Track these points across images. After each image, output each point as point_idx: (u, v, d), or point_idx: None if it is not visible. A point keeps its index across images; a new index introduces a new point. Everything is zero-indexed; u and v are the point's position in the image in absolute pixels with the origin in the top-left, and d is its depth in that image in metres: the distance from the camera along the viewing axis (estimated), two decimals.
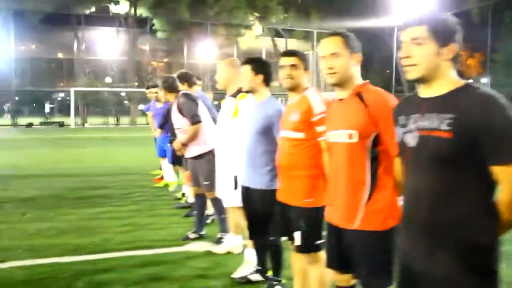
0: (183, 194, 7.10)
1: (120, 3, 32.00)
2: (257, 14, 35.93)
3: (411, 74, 1.81)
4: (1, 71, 32.16)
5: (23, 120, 33.31)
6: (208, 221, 5.42)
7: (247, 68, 3.49)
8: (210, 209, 5.52)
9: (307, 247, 2.92)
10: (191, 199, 6.56)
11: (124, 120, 35.92)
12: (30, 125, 31.14)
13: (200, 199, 5.18)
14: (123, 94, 37.82)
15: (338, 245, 2.45)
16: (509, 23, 25.33)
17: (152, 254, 4.57)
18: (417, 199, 1.82)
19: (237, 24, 33.66)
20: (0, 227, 5.52)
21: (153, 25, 33.59)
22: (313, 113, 2.83)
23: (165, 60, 40.17)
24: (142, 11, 32.41)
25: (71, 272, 4.05)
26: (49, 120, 36.45)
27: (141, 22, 32.59)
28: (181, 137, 5.04)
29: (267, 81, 3.53)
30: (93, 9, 32.61)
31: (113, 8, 32.77)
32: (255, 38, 38.56)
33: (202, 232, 5.15)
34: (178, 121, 4.99)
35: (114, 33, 33.01)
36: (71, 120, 31.18)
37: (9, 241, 4.98)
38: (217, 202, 4.91)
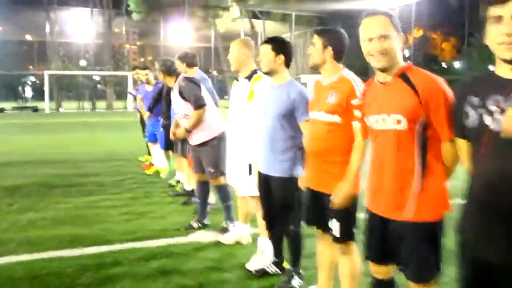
0: (178, 181, 6.89)
1: None
2: None
3: None
4: None
5: None
6: (208, 209, 5.24)
7: (267, 48, 3.29)
8: (211, 198, 5.34)
9: (344, 236, 2.79)
10: (187, 186, 6.37)
11: (100, 104, 35.10)
12: (1, 110, 30.11)
13: (204, 186, 4.98)
14: (96, 78, 36.84)
15: (381, 235, 2.32)
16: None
17: (157, 245, 4.37)
18: (500, 184, 1.68)
19: (215, 6, 33.01)
20: None
21: (128, 6, 32.69)
22: (355, 95, 2.66)
23: (139, 43, 39.36)
24: None
25: (74, 267, 3.84)
26: (22, 105, 35.34)
27: (116, 2, 31.67)
28: (183, 122, 4.78)
29: (287, 62, 3.34)
30: None
31: None
32: (232, 20, 37.98)
33: (205, 221, 4.96)
34: (180, 106, 4.74)
35: (88, 14, 32.03)
36: (46, 105, 30.25)
37: (2, 234, 4.70)
38: (222, 189, 4.75)
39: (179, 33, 34.04)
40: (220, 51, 35.92)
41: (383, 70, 2.25)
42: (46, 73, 29.40)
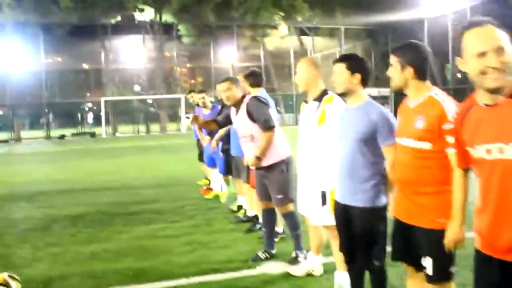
0: (239, 207, 6.65)
1: (145, 11, 31.90)
2: (282, 14, 35.39)
3: None
4: (33, 85, 32.57)
5: (55, 132, 33.59)
6: (276, 239, 4.94)
7: (342, 66, 3.00)
8: (279, 226, 5.06)
9: (440, 275, 2.44)
10: (250, 212, 6.12)
11: (154, 127, 35.88)
12: (62, 137, 31.35)
13: (270, 214, 4.69)
14: (150, 101, 37.75)
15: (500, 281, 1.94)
16: None
17: (224, 279, 4.12)
18: None
19: (263, 24, 33.20)
20: (53, 250, 5.16)
21: (178, 30, 33.41)
22: (447, 119, 2.31)
23: (189, 65, 40.02)
24: (167, 17, 32.26)
25: None
26: (81, 131, 36.69)
27: (167, 28, 32.45)
28: (248, 147, 4.47)
29: (365, 82, 3.03)
30: (118, 18, 32.64)
31: (138, 16, 32.69)
32: (280, 38, 38.07)
33: (273, 251, 4.67)
34: (246, 127, 4.46)
35: (141, 40, 33.00)
36: (103, 130, 31.26)
37: (66, 267, 4.60)
38: (291, 217, 4.45)
39: (228, 54, 34.41)
40: (270, 69, 36.02)
41: (495, 90, 1.85)
42: (103, 99, 30.39)
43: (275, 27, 36.16)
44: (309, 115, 3.68)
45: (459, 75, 31.38)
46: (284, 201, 4.38)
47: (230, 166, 6.32)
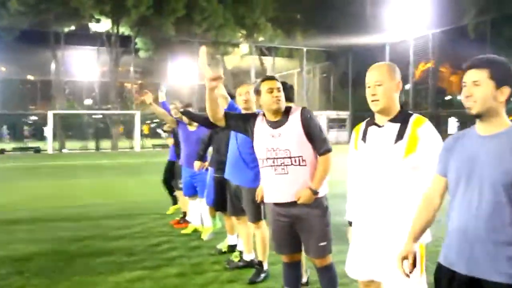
0: (231, 248, 5.48)
1: (101, 21, 30.16)
2: (244, 32, 34.64)
3: None
4: None
5: None
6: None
7: (483, 75, 2.02)
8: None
9: None
10: (247, 255, 4.97)
11: (105, 144, 33.81)
12: (2, 151, 28.77)
13: (296, 270, 3.57)
14: (99, 116, 35.66)
15: None
16: (507, 37, 24.60)
17: None
18: None
19: (225, 42, 32.22)
20: None
21: (136, 43, 31.86)
22: None
23: (141, 81, 38.36)
24: (124, 30, 30.67)
25: None
26: (23, 146, 34.01)
27: (124, 41, 30.79)
28: (291, 175, 3.28)
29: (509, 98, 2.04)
30: (72, 27, 30.66)
31: (93, 26, 30.85)
32: (240, 57, 37.28)
33: None
34: (294, 146, 3.27)
35: (95, 52, 31.16)
36: (49, 146, 28.98)
37: None
38: (332, 270, 3.44)
39: (184, 71, 33.09)
40: (230, 88, 35.01)
41: None
42: (50, 113, 28.24)
43: (237, 45, 35.31)
44: (384, 142, 2.62)
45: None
46: (327, 249, 3.34)
47: (223, 200, 5.15)
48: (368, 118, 2.81)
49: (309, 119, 3.33)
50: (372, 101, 2.65)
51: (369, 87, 2.66)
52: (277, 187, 3.32)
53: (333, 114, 35.98)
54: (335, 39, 33.66)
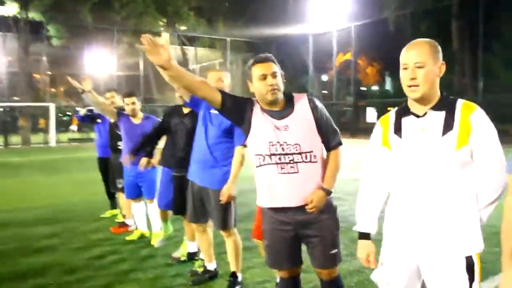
0: (191, 257, 4.82)
1: (6, 4, 27.38)
2: (164, 20, 33.28)
3: None
4: None
5: None
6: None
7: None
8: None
9: None
10: (210, 264, 4.35)
11: (15, 139, 31.03)
12: None
13: (297, 285, 3.00)
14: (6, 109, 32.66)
15: None
16: (424, 32, 25.63)
17: None
18: None
19: (146, 31, 30.64)
20: None
21: (48, 30, 29.41)
22: None
23: (54, 71, 35.72)
24: (34, 15, 28.12)
25: None
26: None
27: (34, 27, 28.22)
28: (302, 173, 2.72)
29: None
30: None
31: None
32: None
33: None
34: (305, 140, 2.74)
35: (0, 38, 28.34)
36: None
37: None
38: (340, 283, 2.95)
39: (102, 61, 31.18)
40: (150, 79, 33.57)
41: None
42: None
43: (158, 34, 33.82)
44: (430, 135, 2.15)
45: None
46: (337, 258, 2.85)
47: (185, 202, 4.46)
48: (397, 108, 2.33)
49: (320, 109, 2.83)
50: (410, 86, 2.17)
51: (406, 68, 2.18)
52: (283, 189, 2.73)
53: None
54: (259, 30, 33.43)
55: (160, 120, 5.08)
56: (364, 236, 2.44)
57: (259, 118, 2.80)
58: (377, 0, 27.21)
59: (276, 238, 2.85)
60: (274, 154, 2.73)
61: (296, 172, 2.71)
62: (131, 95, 5.61)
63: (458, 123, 2.10)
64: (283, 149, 2.71)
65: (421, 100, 2.18)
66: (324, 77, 41.45)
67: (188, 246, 4.91)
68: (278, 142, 2.72)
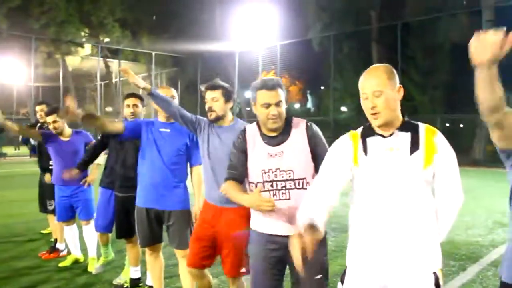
0: (135, 283, 4.57)
1: None
2: (87, 31, 32.07)
3: None
4: None
5: None
6: None
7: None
8: None
9: None
10: None
11: None
12: None
13: None
14: None
15: None
16: (347, 54, 26.87)
17: None
18: None
19: (67, 40, 29.31)
20: None
21: None
22: None
23: None
24: None
25: None
26: None
27: None
28: (293, 199, 2.70)
29: None
30: None
31: None
32: (81, 58, 34.58)
33: None
34: (299, 166, 2.73)
35: None
36: None
37: None
38: None
39: (17, 70, 29.37)
40: (71, 91, 32.06)
41: None
42: None
43: (81, 45, 32.50)
44: (397, 154, 2.21)
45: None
46: (324, 284, 2.77)
47: (130, 224, 4.25)
48: (361, 128, 2.36)
49: (317, 137, 2.81)
50: (372, 114, 2.21)
51: (366, 98, 2.23)
52: (275, 216, 2.70)
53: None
54: (184, 45, 33.23)
55: (99, 137, 4.83)
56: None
57: (254, 148, 2.80)
58: (302, 21, 28.10)
59: (266, 261, 2.79)
60: (266, 181, 2.72)
61: (288, 199, 2.69)
62: (52, 112, 5.24)
63: (423, 143, 2.19)
64: (275, 175, 2.71)
65: (385, 125, 2.24)
66: (248, 94, 41.96)
67: (131, 272, 4.66)
68: (270, 170, 2.72)
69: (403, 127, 2.24)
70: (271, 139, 2.78)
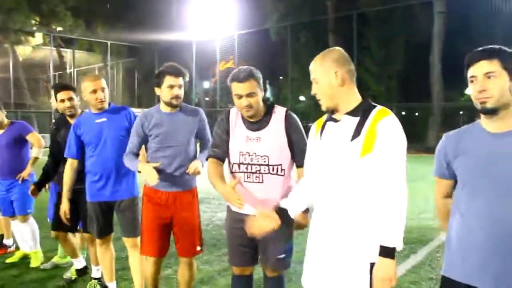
0: (80, 274, 4.46)
1: None
2: (37, 19, 30.86)
3: None
4: None
5: None
6: None
7: (496, 66, 1.90)
8: None
9: None
10: (112, 285, 4.06)
11: None
12: None
13: (248, 283, 3.11)
14: None
15: None
16: (303, 43, 27.01)
17: None
18: None
19: (16, 29, 28.08)
20: None
21: None
22: None
23: None
24: None
25: None
26: None
27: None
28: (269, 185, 2.89)
29: None
30: None
31: None
32: (33, 47, 33.35)
33: None
34: (275, 153, 2.85)
35: None
36: None
37: None
38: (283, 282, 3.02)
39: None
40: (22, 82, 30.89)
41: None
42: None
43: (31, 34, 31.25)
44: (340, 139, 2.20)
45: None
46: (287, 264, 2.98)
47: (74, 219, 4.13)
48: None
49: (295, 128, 2.90)
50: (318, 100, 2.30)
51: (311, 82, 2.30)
52: (246, 197, 2.79)
53: (138, 111, 34.70)
54: (141, 35, 32.57)
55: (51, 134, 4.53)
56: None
57: (235, 129, 2.93)
58: (259, 11, 28.03)
59: (234, 236, 2.99)
60: (242, 163, 2.86)
61: (260, 182, 2.82)
62: None
63: (366, 129, 2.11)
64: (251, 159, 2.84)
65: (334, 109, 2.24)
66: (206, 84, 41.59)
67: (75, 264, 4.52)
68: (247, 153, 2.85)
69: (354, 112, 2.18)
70: (251, 124, 2.89)
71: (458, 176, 2.03)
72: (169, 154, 3.32)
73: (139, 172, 3.34)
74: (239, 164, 2.88)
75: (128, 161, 3.41)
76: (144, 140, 3.43)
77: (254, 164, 2.84)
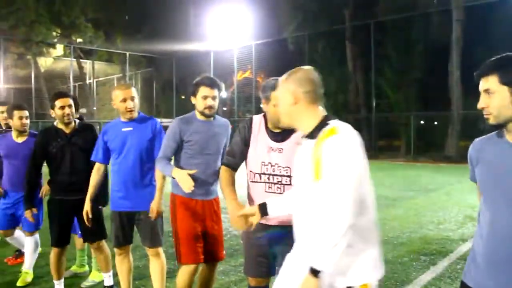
0: None
1: None
2: (59, 31, 31.44)
3: None
4: None
5: None
6: None
7: (494, 81, 1.86)
8: None
9: None
10: None
11: None
12: None
13: None
14: None
15: None
16: (321, 52, 26.96)
17: None
18: None
19: (38, 41, 28.65)
20: None
21: None
22: None
23: None
24: None
25: None
26: None
27: None
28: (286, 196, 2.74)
29: None
30: None
31: None
32: (54, 59, 33.95)
33: None
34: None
35: None
36: None
37: None
38: None
39: None
40: (43, 93, 31.42)
41: None
42: None
43: (52, 45, 31.84)
44: (302, 162, 2.23)
45: None
46: None
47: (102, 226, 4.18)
48: None
49: None
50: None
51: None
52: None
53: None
54: (159, 45, 32.95)
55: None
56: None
57: (257, 137, 2.92)
58: (276, 21, 28.12)
59: (250, 246, 3.01)
60: (264, 173, 2.87)
61: (281, 193, 2.77)
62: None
63: (311, 153, 2.07)
64: (273, 170, 2.84)
65: (293, 128, 2.34)
66: (224, 94, 41.83)
67: (106, 279, 4.49)
68: (270, 163, 2.85)
69: (311, 134, 2.13)
70: (275, 135, 2.88)
71: (477, 183, 2.04)
72: (203, 162, 3.39)
73: (173, 177, 3.32)
74: (260, 174, 2.88)
75: (161, 166, 3.42)
76: (179, 146, 3.43)
77: (276, 175, 2.83)
